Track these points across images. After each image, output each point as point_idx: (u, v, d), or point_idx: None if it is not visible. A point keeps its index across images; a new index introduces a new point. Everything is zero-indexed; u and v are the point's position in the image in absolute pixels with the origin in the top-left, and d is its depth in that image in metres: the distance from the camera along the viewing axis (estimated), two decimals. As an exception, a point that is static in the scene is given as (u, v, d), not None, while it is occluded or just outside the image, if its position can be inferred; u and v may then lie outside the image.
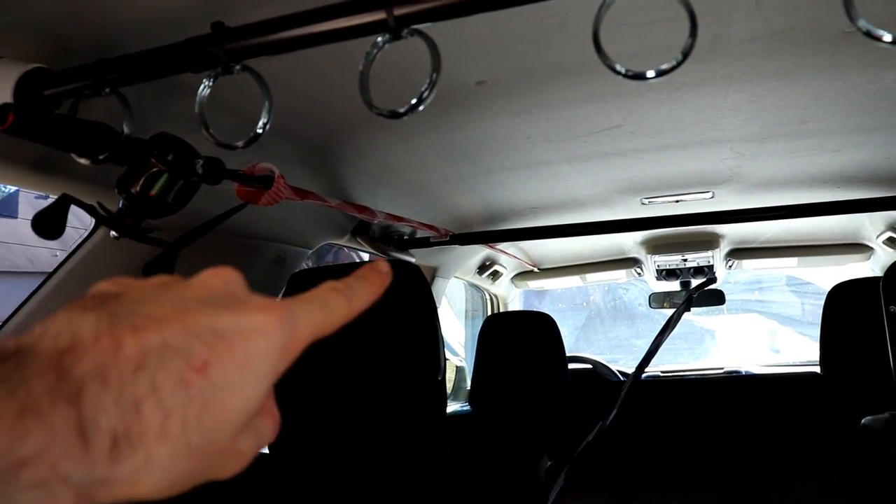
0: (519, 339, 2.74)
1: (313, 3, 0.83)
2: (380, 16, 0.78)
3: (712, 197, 2.61)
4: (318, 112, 1.52)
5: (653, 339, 1.43)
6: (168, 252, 1.14)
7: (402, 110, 0.80)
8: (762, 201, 2.58)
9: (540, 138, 1.79)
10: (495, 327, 2.82)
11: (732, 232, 3.58)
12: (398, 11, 0.77)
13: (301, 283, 1.65)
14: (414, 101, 0.79)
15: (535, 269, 4.10)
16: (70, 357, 0.33)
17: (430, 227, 2.35)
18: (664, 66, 0.71)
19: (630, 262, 4.05)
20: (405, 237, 2.43)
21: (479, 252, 3.40)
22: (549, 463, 1.40)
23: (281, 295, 1.68)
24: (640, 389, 2.79)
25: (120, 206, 1.05)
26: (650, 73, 0.72)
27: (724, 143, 1.95)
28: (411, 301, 1.52)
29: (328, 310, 0.45)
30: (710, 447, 2.57)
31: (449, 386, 4.43)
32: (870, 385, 2.27)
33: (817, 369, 2.64)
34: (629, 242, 3.78)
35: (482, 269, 3.65)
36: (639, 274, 4.16)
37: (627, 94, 1.54)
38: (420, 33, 0.78)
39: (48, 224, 1.09)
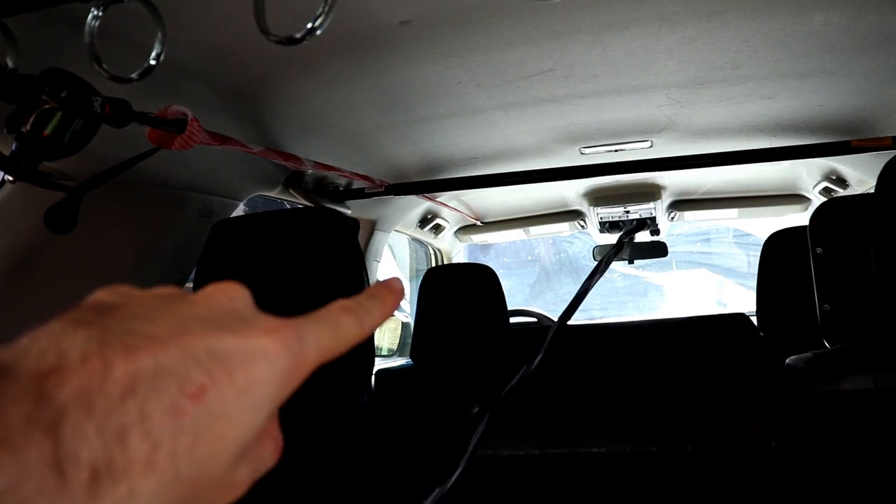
0: (459, 292, 2.72)
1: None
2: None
3: (651, 146, 2.60)
4: (240, 56, 1.46)
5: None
6: (70, 197, 1.09)
7: (298, 35, 0.75)
8: (700, 150, 2.57)
9: (471, 83, 1.75)
10: (435, 280, 2.80)
11: (674, 183, 3.59)
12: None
13: (224, 233, 1.60)
14: (309, 25, 0.74)
15: (479, 223, 4.08)
16: (53, 380, 0.30)
17: (365, 178, 2.30)
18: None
19: (573, 215, 4.05)
20: (340, 188, 2.38)
21: (420, 205, 3.36)
22: (476, 409, 1.38)
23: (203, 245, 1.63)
24: (570, 337, 2.79)
25: (13, 147, 0.99)
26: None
27: (659, 88, 1.93)
28: (336, 249, 1.48)
29: (338, 331, 0.41)
30: (637, 392, 2.59)
31: (395, 342, 4.41)
32: (800, 328, 2.30)
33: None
34: (571, 195, 3.78)
35: (424, 222, 3.62)
36: (582, 226, 4.17)
37: (557, 35, 1.50)
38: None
39: (61, 218, 1.06)
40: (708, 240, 12.54)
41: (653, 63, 1.71)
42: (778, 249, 2.60)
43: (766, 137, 2.49)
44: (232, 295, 0.39)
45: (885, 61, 1.73)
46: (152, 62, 0.84)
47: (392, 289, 0.47)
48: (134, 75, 0.85)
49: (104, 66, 0.87)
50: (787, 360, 1.47)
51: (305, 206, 2.29)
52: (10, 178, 1.01)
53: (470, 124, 2.16)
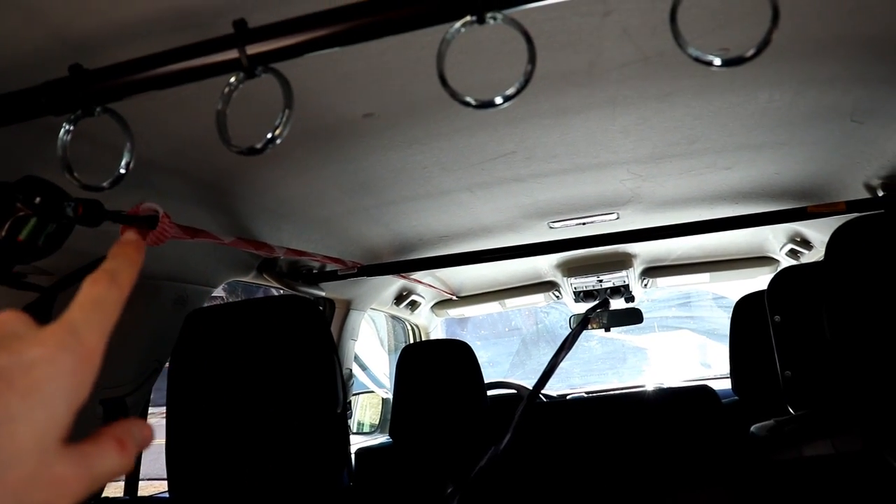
0: (436, 368, 2.73)
1: (169, 44, 0.83)
2: (233, 55, 0.78)
3: (618, 218, 2.66)
4: (209, 150, 1.50)
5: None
6: (43, 297, 1.11)
7: (258, 146, 0.79)
8: (667, 220, 2.63)
9: (436, 168, 1.80)
10: (412, 357, 2.81)
11: (644, 251, 3.66)
12: (251, 50, 0.77)
13: (197, 323, 1.63)
14: (269, 135, 0.78)
15: (454, 297, 4.12)
16: None
17: (337, 261, 2.34)
18: (509, 92, 0.73)
19: (547, 286, 4.10)
20: (314, 271, 2.42)
21: (395, 283, 3.40)
22: (449, 489, 1.39)
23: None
24: (540, 413, 2.81)
25: (-12, 253, 1.02)
26: (498, 100, 0.74)
27: (620, 164, 1.99)
28: (306, 335, 1.51)
29: (103, 304, 0.46)
30: (606, 465, 2.60)
31: (377, 418, 4.40)
32: (772, 391, 2.33)
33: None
34: (545, 266, 3.83)
35: (399, 299, 3.65)
36: (557, 297, 4.22)
37: (516, 121, 1.56)
38: (274, 70, 0.78)
39: (35, 317, 1.08)
40: (688, 303, 12.62)
41: (611, 142, 1.77)
42: (747, 313, 2.65)
43: (728, 205, 2.56)
44: (5, 319, 0.44)
45: (831, 132, 1.81)
46: (122, 171, 0.87)
47: (127, 241, 0.52)
48: (105, 184, 0.89)
49: (75, 174, 0.90)
50: (751, 428, 1.50)
51: (277, 294, 2.32)
52: (-15, 283, 1.04)
53: (438, 205, 2.21)
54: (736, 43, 1.23)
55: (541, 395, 4.04)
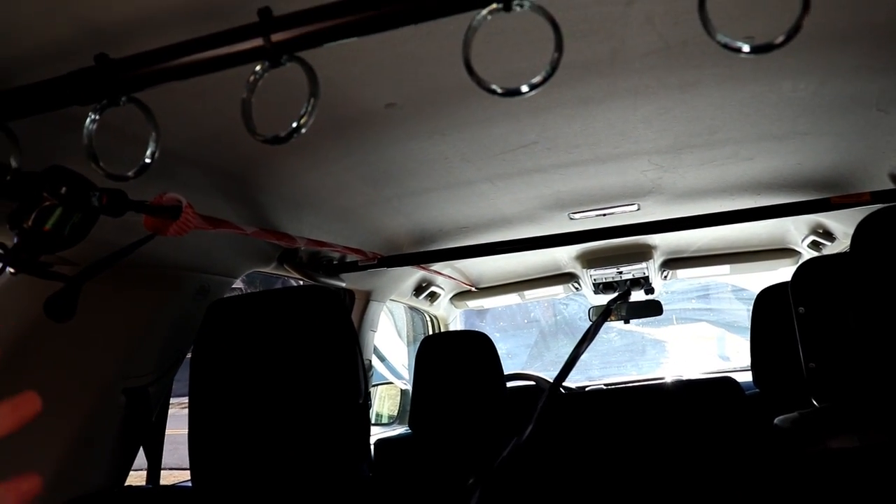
0: (455, 360, 2.74)
1: (194, 33, 0.83)
2: (258, 43, 0.78)
3: (638, 209, 2.65)
4: (231, 140, 1.51)
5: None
6: (68, 286, 1.12)
7: (282, 135, 0.79)
8: (687, 211, 2.62)
9: (457, 158, 1.80)
10: (431, 349, 2.81)
11: (664, 243, 3.64)
12: (276, 38, 0.77)
13: (219, 313, 1.64)
14: (294, 124, 0.78)
15: (473, 289, 4.12)
16: None
17: (357, 251, 2.34)
18: (535, 80, 0.72)
19: (567, 277, 4.09)
20: (334, 262, 2.42)
21: (414, 274, 3.40)
22: (471, 480, 1.40)
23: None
24: (562, 403, 2.81)
25: (14, 241, 1.03)
26: (524, 88, 0.73)
27: (641, 155, 1.98)
28: (328, 325, 1.51)
29: None
30: (629, 457, 2.60)
31: (395, 410, 4.41)
32: (794, 384, 2.32)
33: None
34: (564, 258, 3.82)
35: (419, 290, 3.65)
36: (577, 288, 4.21)
37: (537, 111, 1.56)
38: (299, 59, 0.78)
39: (60, 307, 1.10)
40: (707, 295, 12.56)
41: (632, 132, 1.76)
42: (768, 306, 2.64)
43: (749, 196, 2.54)
44: None
45: (855, 122, 1.79)
46: (147, 160, 0.88)
47: None
48: (130, 173, 0.89)
49: (101, 164, 0.91)
50: (774, 420, 1.50)
51: (299, 284, 2.33)
52: (12, 271, 1.04)
53: (459, 196, 2.21)
54: (760, 31, 1.22)
55: (560, 388, 4.05)
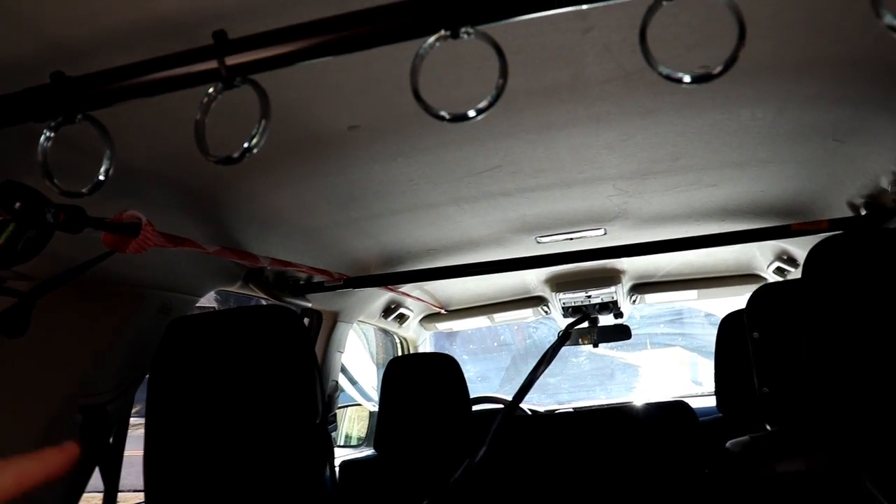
0: (421, 381, 2.74)
1: (153, 54, 0.84)
2: (212, 65, 0.79)
3: (605, 234, 2.67)
4: (196, 159, 1.50)
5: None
6: (22, 302, 1.12)
7: (235, 155, 0.80)
8: (653, 236, 2.65)
9: (423, 180, 1.81)
10: (397, 370, 2.81)
11: (632, 268, 3.67)
12: (230, 61, 0.78)
13: (179, 331, 1.63)
14: (246, 144, 0.79)
15: (443, 311, 4.12)
16: None
17: (323, 272, 2.34)
18: (481, 105, 0.74)
19: (536, 301, 4.10)
20: (301, 282, 2.42)
21: (383, 296, 3.40)
22: (424, 502, 1.40)
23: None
24: (518, 426, 2.82)
25: (-34, 258, 1.02)
26: (471, 113, 0.75)
27: (605, 180, 2.01)
28: (287, 345, 1.51)
29: None
30: (582, 479, 2.61)
31: (364, 431, 4.40)
32: (751, 411, 2.34)
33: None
34: (533, 281, 3.84)
35: (387, 312, 3.65)
36: (546, 312, 4.22)
37: (501, 136, 1.57)
38: (251, 81, 0.79)
39: (13, 323, 1.09)
40: (681, 320, 12.61)
41: (596, 158, 1.78)
42: (731, 331, 2.66)
43: (714, 222, 2.57)
44: None
45: (814, 150, 1.82)
46: (101, 178, 0.88)
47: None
48: (84, 190, 0.90)
49: (57, 181, 0.91)
50: (727, 444, 1.51)
51: (259, 304, 2.32)
52: (-36, 287, 1.04)
53: (426, 218, 2.22)
54: (717, 60, 1.25)
55: (527, 410, 4.05)
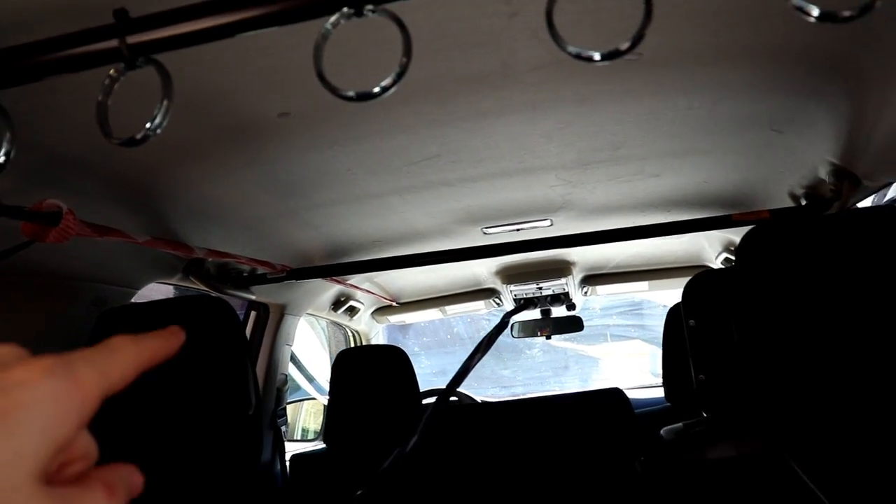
0: (370, 374, 2.72)
1: (49, 31, 0.81)
2: (113, 44, 0.76)
3: (551, 225, 2.67)
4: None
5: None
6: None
7: (138, 137, 0.77)
8: (598, 227, 2.65)
9: (360, 170, 1.79)
10: (347, 363, 2.79)
11: (582, 259, 3.68)
12: (131, 40, 0.76)
13: (110, 322, 1.59)
14: (147, 125, 0.77)
15: (394, 304, 4.11)
16: None
17: (265, 264, 2.31)
18: (385, 83, 0.72)
19: (488, 293, 4.11)
20: (244, 274, 2.39)
21: (331, 288, 3.37)
22: (358, 492, 1.39)
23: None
24: (455, 417, 2.82)
25: None
26: (376, 90, 0.73)
27: (547, 170, 2.00)
28: (217, 335, 1.49)
29: (113, 355, 0.43)
30: (517, 469, 2.62)
31: (319, 425, 4.37)
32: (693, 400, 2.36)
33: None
34: (484, 273, 3.84)
35: (337, 305, 3.63)
36: (498, 304, 4.23)
37: (435, 124, 1.56)
38: (154, 61, 0.77)
39: None
40: (640, 313, 12.69)
41: (535, 147, 1.77)
42: (677, 321, 2.67)
43: (660, 213, 2.58)
44: None
45: (752, 140, 1.83)
46: (0, 159, 0.85)
47: (175, 333, 0.49)
48: (-20, 172, 0.87)
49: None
50: (660, 431, 1.52)
51: (193, 294, 2.28)
52: None
53: (368, 209, 2.20)
54: (649, 48, 1.25)
55: (478, 402, 4.05)
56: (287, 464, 2.85)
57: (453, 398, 4.57)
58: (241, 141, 1.52)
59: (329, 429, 2.72)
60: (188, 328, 1.50)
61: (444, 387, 4.35)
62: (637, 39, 0.70)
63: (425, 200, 2.18)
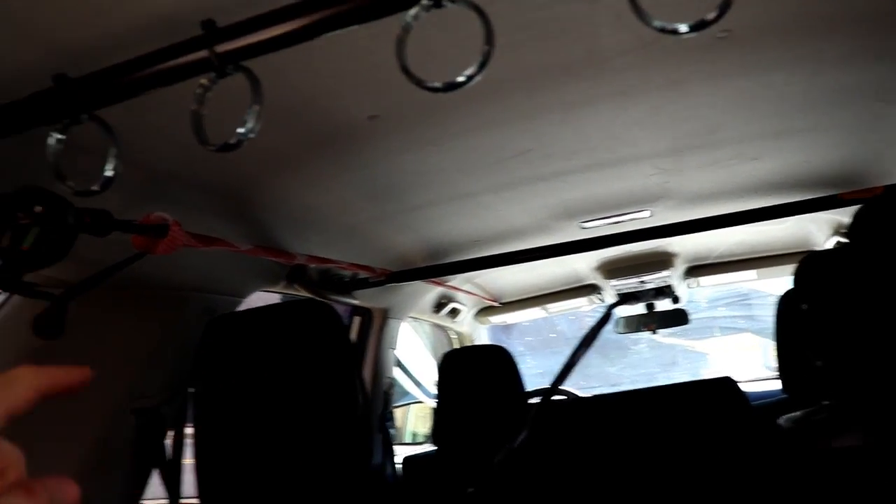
0: (476, 374, 2.72)
1: (146, 48, 0.84)
2: (203, 55, 0.79)
3: (651, 215, 2.62)
4: (224, 159, 1.52)
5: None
6: (54, 305, 1.14)
7: (232, 142, 0.80)
8: (699, 214, 2.59)
9: (454, 169, 1.80)
10: (452, 364, 2.80)
11: (684, 250, 3.60)
12: (220, 49, 0.79)
13: (218, 330, 1.65)
14: (240, 130, 0.79)
15: (496, 304, 4.11)
16: None
17: (366, 268, 2.35)
18: (469, 71, 0.73)
19: (589, 289, 4.06)
20: (345, 279, 2.43)
21: (432, 291, 3.40)
22: (469, 490, 1.39)
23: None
24: (560, 412, 2.78)
25: (-1, 263, 1.05)
26: (461, 79, 0.74)
27: (642, 159, 1.97)
28: (323, 339, 1.52)
29: (14, 383, 0.52)
30: (628, 464, 2.56)
31: (427, 428, 4.41)
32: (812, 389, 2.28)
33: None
34: (584, 269, 3.80)
35: (439, 307, 3.65)
36: (600, 300, 4.17)
37: (525, 118, 1.55)
38: (243, 68, 0.79)
39: (48, 325, 1.12)
40: (749, 304, 12.35)
41: (627, 135, 1.75)
42: (790, 308, 2.59)
43: (761, 197, 2.50)
44: None
45: (858, 114, 1.76)
46: (109, 174, 0.90)
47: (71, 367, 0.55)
48: (95, 187, 0.91)
49: (69, 182, 0.93)
50: (778, 420, 1.47)
51: (298, 299, 2.33)
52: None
53: (464, 208, 2.21)
54: (735, 23, 1.21)
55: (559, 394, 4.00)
56: (398, 466, 2.89)
57: (560, 396, 4.53)
58: (333, 146, 1.55)
59: (437, 429, 2.73)
60: (294, 332, 1.55)
61: (549, 386, 4.34)
62: (724, 7, 0.68)
63: (520, 197, 2.18)
